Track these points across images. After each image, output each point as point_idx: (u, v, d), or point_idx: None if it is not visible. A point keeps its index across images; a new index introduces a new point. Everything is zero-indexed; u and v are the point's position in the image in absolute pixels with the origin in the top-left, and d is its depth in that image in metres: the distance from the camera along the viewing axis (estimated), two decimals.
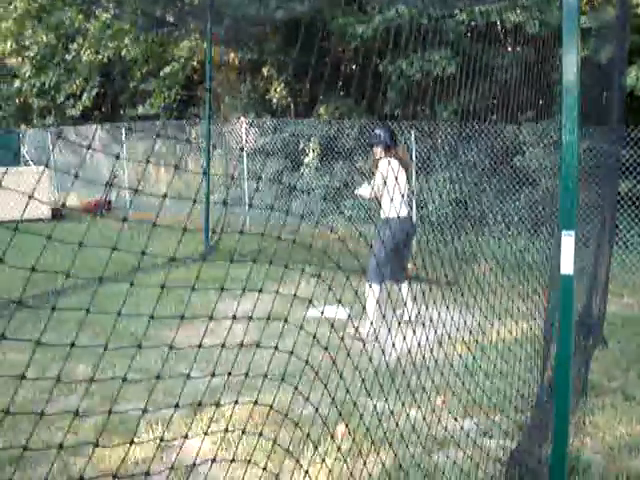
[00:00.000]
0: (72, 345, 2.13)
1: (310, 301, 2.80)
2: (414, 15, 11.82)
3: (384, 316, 4.91)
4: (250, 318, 2.43)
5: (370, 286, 7.07)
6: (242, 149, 16.15)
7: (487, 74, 11.58)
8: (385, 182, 6.88)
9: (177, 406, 2.50)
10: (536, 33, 11.23)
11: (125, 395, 5.29)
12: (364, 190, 7.54)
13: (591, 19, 10.11)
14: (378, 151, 7.46)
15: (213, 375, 2.46)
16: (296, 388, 2.63)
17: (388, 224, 6.93)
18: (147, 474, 2.35)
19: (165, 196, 2.26)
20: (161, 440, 4.23)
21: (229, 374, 2.46)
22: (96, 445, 2.13)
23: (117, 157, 2.84)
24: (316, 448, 3.52)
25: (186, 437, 3.24)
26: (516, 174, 12.01)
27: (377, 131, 7.64)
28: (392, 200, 6.79)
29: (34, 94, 22.40)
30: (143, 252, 2.18)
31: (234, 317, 2.43)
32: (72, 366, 5.98)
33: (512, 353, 4.74)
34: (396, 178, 6.43)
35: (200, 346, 2.47)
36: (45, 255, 9.51)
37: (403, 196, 7.15)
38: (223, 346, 2.39)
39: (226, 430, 3.41)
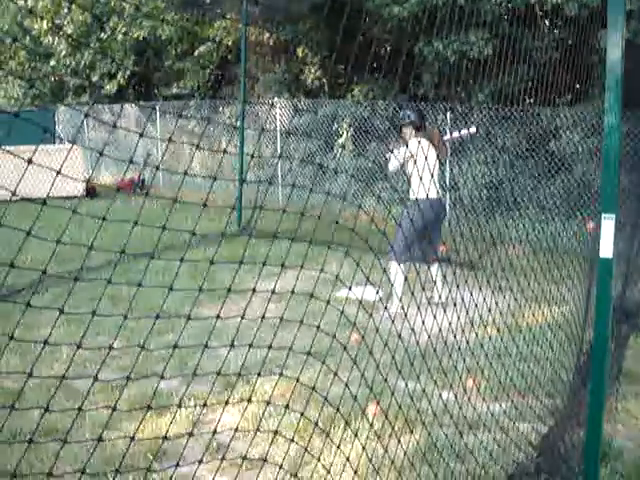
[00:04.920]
0: (126, 318, 2.14)
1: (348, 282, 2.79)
2: None
3: (413, 294, 4.88)
4: (292, 292, 2.43)
5: (398, 264, 7.02)
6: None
7: (524, 56, 11.45)
8: (415, 162, 6.84)
9: (219, 373, 2.51)
10: (575, 15, 11.05)
11: (157, 371, 5.33)
12: (392, 165, 7.50)
13: (632, 1, 9.93)
14: (407, 132, 7.38)
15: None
16: (326, 363, 2.63)
17: (417, 205, 6.86)
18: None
19: (216, 179, 2.26)
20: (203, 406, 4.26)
21: (270, 346, 2.47)
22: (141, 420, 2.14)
23: (141, 135, 2.84)
24: (347, 424, 3.53)
25: (211, 406, 3.26)
26: (552, 158, 11.88)
27: (406, 112, 7.53)
28: (422, 180, 6.72)
29: (69, 73, 22.53)
30: (195, 231, 2.18)
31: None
32: (105, 341, 6.04)
33: (544, 337, 4.71)
34: (426, 158, 6.35)
35: (243, 319, 2.47)
36: (79, 232, 9.63)
37: (433, 176, 7.05)
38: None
39: (268, 403, 3.42)
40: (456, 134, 8.00)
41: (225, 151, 13.29)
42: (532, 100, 12.21)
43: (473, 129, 8.01)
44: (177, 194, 12.95)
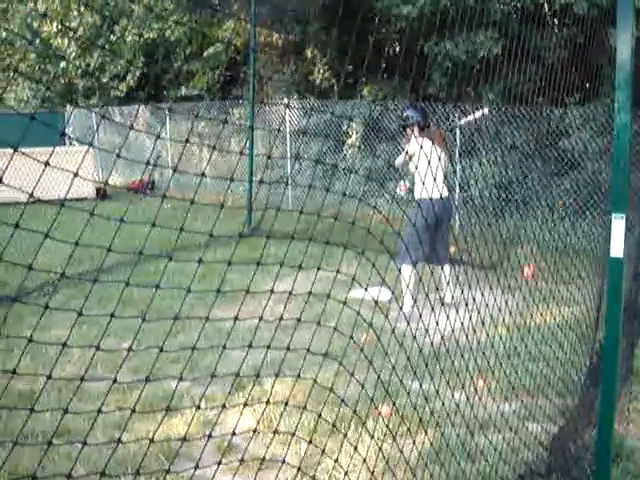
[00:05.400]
0: (144, 321, 2.16)
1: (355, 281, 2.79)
2: None
3: (415, 300, 4.87)
4: (310, 293, 2.44)
5: (399, 270, 6.96)
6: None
7: (533, 55, 11.41)
8: (418, 162, 6.79)
9: (238, 375, 2.52)
10: (585, 14, 11.00)
11: (168, 372, 5.35)
12: (399, 160, 7.49)
13: None
14: (413, 132, 7.30)
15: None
16: (341, 364, 2.62)
17: (420, 206, 6.83)
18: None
19: (233, 180, 2.27)
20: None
21: (288, 348, 2.48)
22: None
23: (158, 137, 2.85)
24: (364, 424, 3.53)
25: (224, 407, 3.26)
26: (561, 157, 11.84)
27: (408, 112, 7.44)
28: (424, 182, 6.68)
29: (79, 75, 22.61)
30: (207, 233, 2.19)
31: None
32: (116, 342, 6.05)
33: (555, 337, 4.70)
34: (429, 162, 6.34)
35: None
36: (89, 234, 9.66)
37: (435, 179, 7.02)
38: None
39: (286, 404, 3.42)
40: (470, 117, 7.92)
41: (242, 153, 13.31)
42: (541, 99, 12.17)
43: (485, 110, 7.85)
44: (187, 196, 12.97)
